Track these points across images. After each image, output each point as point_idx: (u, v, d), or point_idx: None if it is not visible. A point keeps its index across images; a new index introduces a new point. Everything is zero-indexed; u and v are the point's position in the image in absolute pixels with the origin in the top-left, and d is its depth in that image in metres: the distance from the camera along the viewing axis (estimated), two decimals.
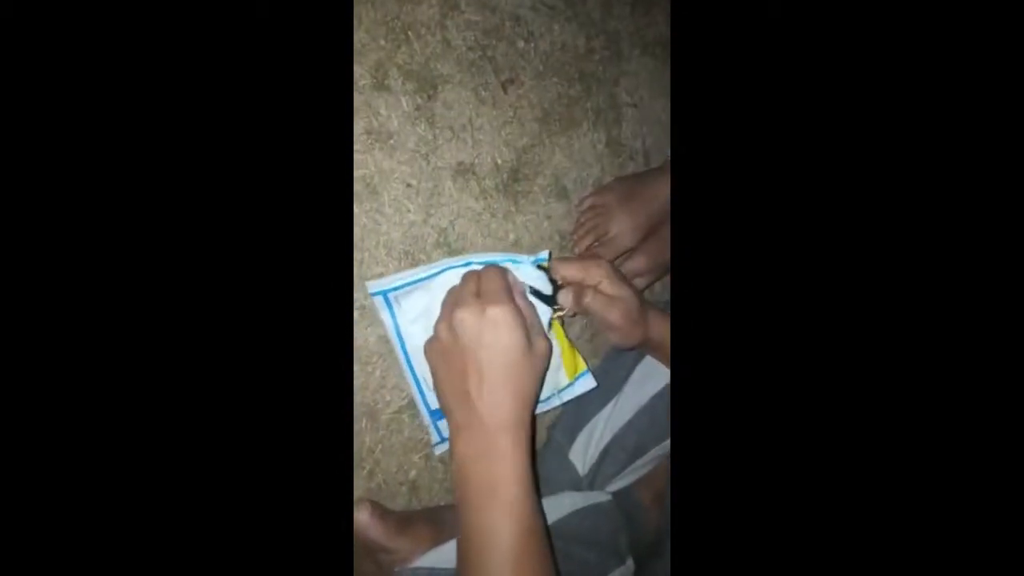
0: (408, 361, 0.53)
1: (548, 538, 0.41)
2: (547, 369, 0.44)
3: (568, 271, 0.50)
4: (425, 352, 0.44)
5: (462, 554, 0.40)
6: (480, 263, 0.49)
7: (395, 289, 0.52)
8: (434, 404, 0.55)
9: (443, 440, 0.57)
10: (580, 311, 0.50)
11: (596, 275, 0.49)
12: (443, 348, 0.42)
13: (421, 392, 0.54)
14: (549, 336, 0.49)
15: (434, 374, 0.44)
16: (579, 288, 0.49)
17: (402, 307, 0.51)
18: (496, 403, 0.40)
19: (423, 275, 0.51)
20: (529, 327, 0.43)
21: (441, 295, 0.49)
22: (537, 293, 0.49)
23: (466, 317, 0.41)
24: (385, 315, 0.52)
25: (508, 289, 0.43)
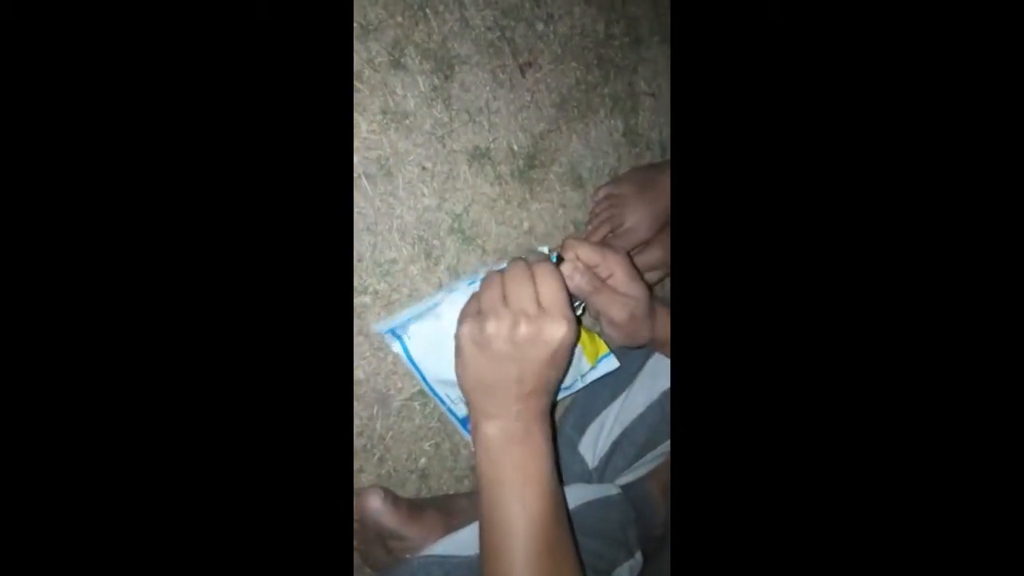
0: (428, 384, 0.52)
1: (571, 526, 0.41)
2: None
3: (585, 253, 0.46)
4: (458, 335, 0.41)
5: (487, 535, 0.40)
6: None
7: (401, 325, 0.50)
8: (462, 413, 0.54)
9: None
10: (582, 297, 0.47)
11: (612, 266, 0.47)
12: (491, 349, 0.39)
13: (448, 408, 0.53)
14: None
15: (467, 361, 0.41)
16: (589, 272, 0.46)
17: (411, 338, 0.50)
18: (534, 402, 0.41)
19: (426, 306, 0.49)
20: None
21: (452, 315, 0.46)
22: None
23: (530, 334, 0.38)
24: (396, 347, 0.51)
25: (568, 298, 0.41)
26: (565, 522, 0.41)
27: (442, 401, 0.53)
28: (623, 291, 0.47)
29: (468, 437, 0.56)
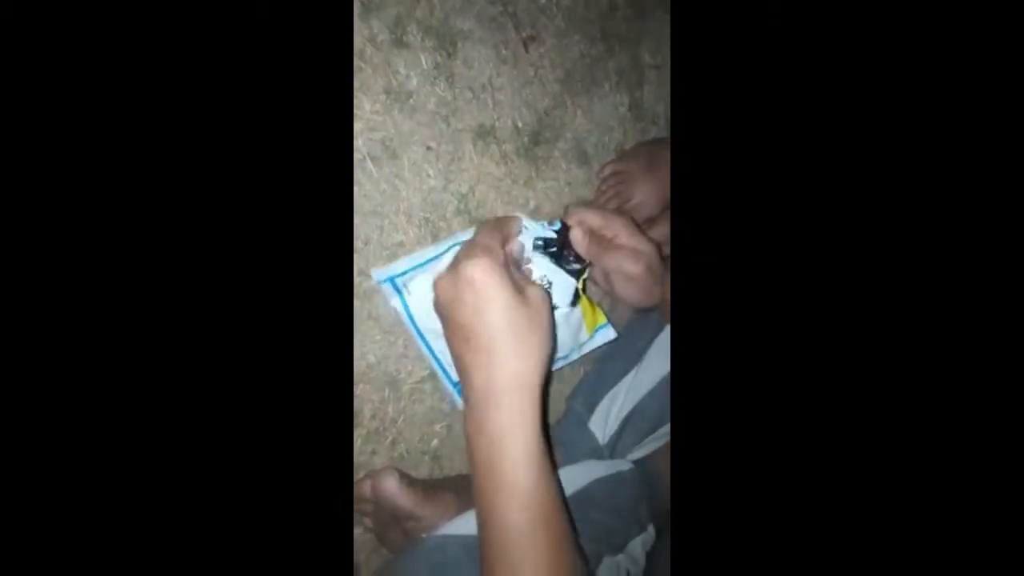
0: (424, 341, 0.52)
1: (562, 510, 0.38)
2: (550, 317, 0.40)
3: (588, 217, 0.46)
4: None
5: (480, 537, 0.37)
6: None
7: (401, 274, 0.49)
8: (456, 376, 0.54)
9: None
10: (593, 260, 0.46)
11: (615, 227, 0.46)
12: (442, 323, 0.39)
13: (441, 367, 0.53)
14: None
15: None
16: (595, 235, 0.45)
17: (410, 291, 0.48)
18: (493, 370, 0.36)
19: (428, 256, 0.49)
20: (518, 276, 0.40)
21: None
22: (545, 242, 0.45)
23: (442, 285, 0.37)
24: (395, 301, 0.50)
25: (490, 244, 0.39)
26: (554, 526, 0.36)
27: (438, 361, 0.52)
28: (631, 245, 0.46)
29: (460, 402, 0.56)
